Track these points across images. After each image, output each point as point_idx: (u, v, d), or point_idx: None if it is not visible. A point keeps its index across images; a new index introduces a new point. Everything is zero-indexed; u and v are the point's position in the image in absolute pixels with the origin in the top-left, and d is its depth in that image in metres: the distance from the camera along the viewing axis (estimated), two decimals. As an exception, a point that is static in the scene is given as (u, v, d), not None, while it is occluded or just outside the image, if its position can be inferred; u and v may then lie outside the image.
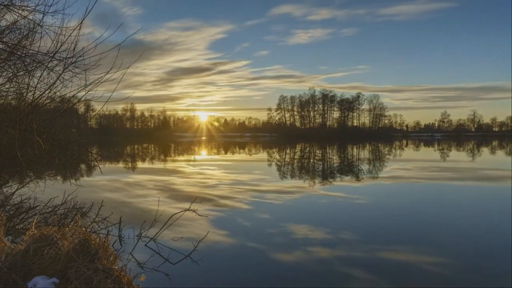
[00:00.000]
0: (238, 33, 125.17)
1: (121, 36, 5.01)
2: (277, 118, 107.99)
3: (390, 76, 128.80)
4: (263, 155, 30.32)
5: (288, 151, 36.22)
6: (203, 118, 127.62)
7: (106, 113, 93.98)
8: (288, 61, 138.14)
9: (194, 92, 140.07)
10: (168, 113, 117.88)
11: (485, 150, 34.37)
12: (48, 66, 5.26)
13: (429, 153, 31.02)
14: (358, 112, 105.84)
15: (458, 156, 26.98)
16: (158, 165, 20.61)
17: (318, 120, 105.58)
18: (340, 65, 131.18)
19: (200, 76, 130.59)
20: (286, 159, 25.20)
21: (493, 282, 4.12)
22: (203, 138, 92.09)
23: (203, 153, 33.12)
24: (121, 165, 20.62)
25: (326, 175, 15.17)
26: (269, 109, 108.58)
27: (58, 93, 5.60)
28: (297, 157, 27.26)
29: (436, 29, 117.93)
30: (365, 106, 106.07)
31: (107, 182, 12.35)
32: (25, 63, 5.45)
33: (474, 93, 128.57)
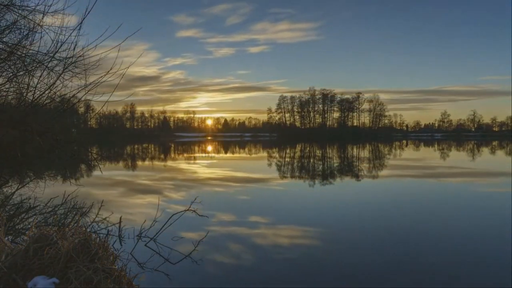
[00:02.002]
0: (162, 49, 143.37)
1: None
2: (277, 118, 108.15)
3: (339, 80, 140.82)
4: (263, 155, 30.32)
5: (288, 151, 36.22)
6: (202, 118, 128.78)
7: (106, 113, 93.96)
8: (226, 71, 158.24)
9: (164, 96, 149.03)
10: (168, 114, 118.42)
11: (485, 150, 34.37)
12: (48, 66, 5.26)
13: (428, 153, 31.04)
14: (358, 112, 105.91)
15: (457, 156, 27.00)
16: (158, 165, 20.61)
17: (318, 120, 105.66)
18: (273, 73, 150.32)
19: (157, 83, 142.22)
20: (286, 159, 25.20)
21: (493, 281, 4.12)
22: (203, 138, 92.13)
23: (202, 153, 33.13)
24: (121, 165, 20.63)
25: (326, 175, 15.18)
26: (269, 109, 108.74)
27: (58, 93, 5.60)
28: (297, 157, 27.27)
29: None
30: (365, 106, 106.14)
31: (107, 182, 12.35)
32: (25, 63, 5.45)
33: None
